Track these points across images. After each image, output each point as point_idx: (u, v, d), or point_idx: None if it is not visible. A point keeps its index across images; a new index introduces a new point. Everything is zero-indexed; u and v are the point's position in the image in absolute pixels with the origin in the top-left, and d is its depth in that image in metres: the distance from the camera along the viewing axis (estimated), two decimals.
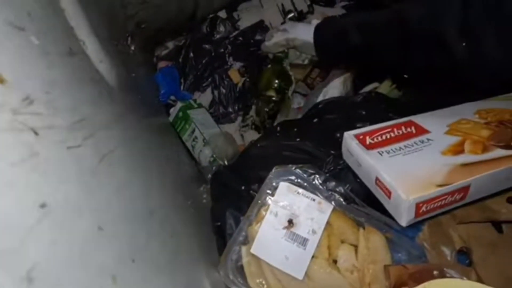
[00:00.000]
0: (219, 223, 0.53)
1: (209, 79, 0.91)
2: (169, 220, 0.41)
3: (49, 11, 0.34)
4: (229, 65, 0.91)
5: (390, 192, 0.40)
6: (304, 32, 0.66)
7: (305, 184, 0.47)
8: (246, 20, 0.93)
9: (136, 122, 0.46)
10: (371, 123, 0.49)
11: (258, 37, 0.92)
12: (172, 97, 0.86)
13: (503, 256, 0.42)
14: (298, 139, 0.54)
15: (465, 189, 0.40)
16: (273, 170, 0.48)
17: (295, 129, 0.58)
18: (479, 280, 0.41)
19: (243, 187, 0.53)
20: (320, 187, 0.47)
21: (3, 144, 0.20)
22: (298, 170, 0.47)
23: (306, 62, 0.84)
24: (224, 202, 0.55)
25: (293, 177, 0.48)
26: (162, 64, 0.89)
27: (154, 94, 0.80)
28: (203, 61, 0.91)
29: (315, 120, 0.59)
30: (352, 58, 0.63)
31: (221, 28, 0.94)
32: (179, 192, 0.53)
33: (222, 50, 0.92)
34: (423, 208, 0.40)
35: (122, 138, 0.37)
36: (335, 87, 0.71)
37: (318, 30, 0.64)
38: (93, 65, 0.41)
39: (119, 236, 0.28)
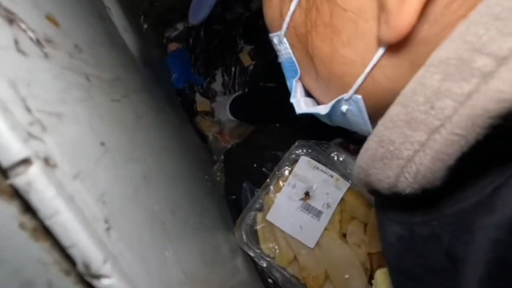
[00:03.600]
0: (234, 197, 0.55)
1: (219, 62, 0.88)
2: (194, 186, 0.43)
3: None
4: (239, 47, 0.89)
5: None
6: None
7: (325, 160, 0.49)
8: (258, 0, 0.93)
9: (157, 95, 0.47)
10: None
11: None
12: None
13: None
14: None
15: None
16: (295, 144, 0.50)
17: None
18: None
19: (255, 165, 0.55)
20: (339, 164, 0.49)
21: (66, 80, 0.21)
22: (319, 146, 0.49)
23: None
24: (238, 177, 0.57)
25: (314, 152, 0.49)
26: (172, 47, 0.87)
27: (167, 77, 0.80)
28: (214, 43, 0.88)
29: None
30: None
31: (234, 9, 0.92)
32: (198, 167, 0.55)
33: (233, 32, 0.89)
34: None
35: (150, 107, 0.38)
36: None
37: None
38: (119, 32, 0.42)
39: (160, 189, 0.30)
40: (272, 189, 0.50)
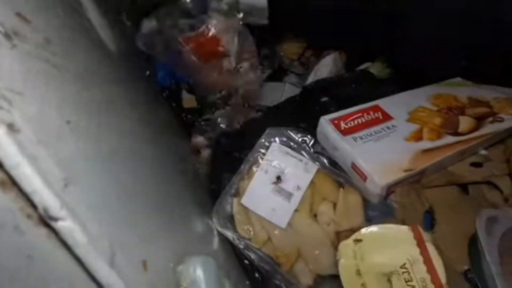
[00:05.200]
0: (214, 186, 0.58)
1: None
2: (168, 173, 0.46)
3: None
4: None
5: (366, 177, 0.48)
6: None
7: (295, 145, 0.52)
8: None
9: (134, 88, 0.50)
10: (359, 103, 0.54)
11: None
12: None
13: (464, 215, 0.48)
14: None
15: (423, 171, 0.48)
16: (266, 131, 0.53)
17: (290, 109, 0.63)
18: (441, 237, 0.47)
19: (237, 154, 0.58)
20: (308, 149, 0.52)
21: (33, 67, 0.24)
22: (289, 132, 0.53)
23: None
24: (220, 167, 0.60)
25: (284, 139, 0.53)
26: None
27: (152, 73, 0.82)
28: None
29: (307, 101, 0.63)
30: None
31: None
32: (178, 159, 0.58)
33: None
34: (392, 188, 0.47)
35: (123, 96, 0.41)
36: (326, 65, 0.75)
37: None
38: (96, 29, 0.45)
39: (125, 165, 0.33)
40: (246, 175, 0.53)
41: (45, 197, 0.18)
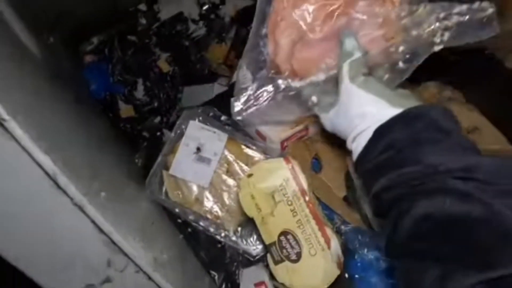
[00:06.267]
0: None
1: (138, 70, 0.97)
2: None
3: None
4: (156, 55, 1.00)
5: (265, 138, 0.61)
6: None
7: (207, 121, 0.65)
8: (166, 12, 1.02)
9: (66, 103, 0.57)
10: None
11: (179, 27, 1.02)
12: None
13: (340, 158, 0.63)
14: None
15: (307, 128, 0.63)
16: (183, 113, 0.65)
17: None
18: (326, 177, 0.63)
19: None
20: (218, 122, 0.65)
21: None
22: (202, 111, 0.65)
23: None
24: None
25: (199, 117, 0.65)
26: (88, 59, 0.94)
27: (85, 90, 0.87)
28: (129, 52, 0.97)
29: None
30: None
31: (143, 21, 1.03)
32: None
33: (147, 41, 1.00)
34: (286, 144, 0.62)
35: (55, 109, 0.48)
36: None
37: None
38: (23, 47, 0.52)
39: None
40: (171, 150, 0.64)
41: None
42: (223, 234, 0.61)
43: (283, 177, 0.51)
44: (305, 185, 0.51)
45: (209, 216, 0.62)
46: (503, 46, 0.63)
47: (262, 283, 0.50)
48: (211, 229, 0.61)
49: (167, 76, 1.03)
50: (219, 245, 0.63)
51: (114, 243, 0.33)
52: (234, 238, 0.60)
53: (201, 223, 0.61)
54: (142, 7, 1.03)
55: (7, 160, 0.28)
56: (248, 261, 0.61)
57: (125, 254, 0.35)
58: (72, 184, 0.31)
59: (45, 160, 0.29)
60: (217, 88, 0.97)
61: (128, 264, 0.35)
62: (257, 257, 0.60)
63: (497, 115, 0.60)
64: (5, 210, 0.29)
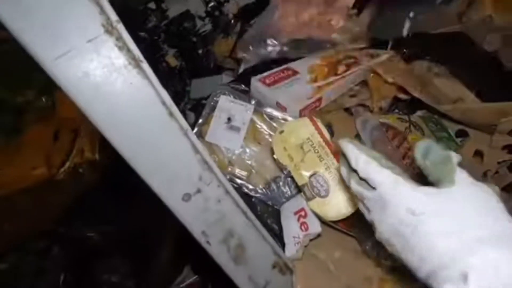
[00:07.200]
0: None
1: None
2: None
3: None
4: (164, 51, 1.10)
5: (285, 108, 0.73)
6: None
7: (236, 95, 0.76)
8: (174, 10, 1.11)
9: None
10: None
11: (186, 24, 1.10)
12: None
13: (350, 124, 0.76)
14: None
15: (320, 98, 0.74)
16: (216, 90, 0.76)
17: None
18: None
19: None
20: (245, 95, 0.76)
21: None
22: (231, 87, 0.76)
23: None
24: None
25: (229, 91, 0.75)
26: None
27: None
28: (141, 48, 1.09)
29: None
30: None
31: (152, 18, 1.13)
32: None
33: (156, 37, 1.09)
34: (303, 113, 0.73)
35: None
36: None
37: None
38: None
39: None
40: (205, 121, 0.75)
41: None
42: (252, 189, 0.72)
43: (309, 131, 0.63)
44: (327, 137, 0.62)
45: (241, 176, 0.73)
46: (479, 33, 0.78)
47: (302, 209, 0.61)
48: (243, 187, 0.72)
49: (175, 70, 1.12)
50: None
51: (205, 162, 0.43)
52: (264, 191, 0.71)
53: (235, 182, 0.72)
54: (152, 5, 1.13)
55: (138, 95, 0.38)
56: (276, 211, 0.72)
57: (212, 171, 0.44)
58: None
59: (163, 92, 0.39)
60: (225, 79, 1.06)
61: (212, 180, 0.45)
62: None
63: (478, 87, 0.74)
64: (131, 132, 0.38)
